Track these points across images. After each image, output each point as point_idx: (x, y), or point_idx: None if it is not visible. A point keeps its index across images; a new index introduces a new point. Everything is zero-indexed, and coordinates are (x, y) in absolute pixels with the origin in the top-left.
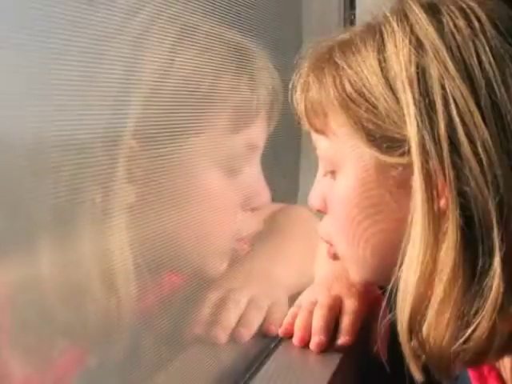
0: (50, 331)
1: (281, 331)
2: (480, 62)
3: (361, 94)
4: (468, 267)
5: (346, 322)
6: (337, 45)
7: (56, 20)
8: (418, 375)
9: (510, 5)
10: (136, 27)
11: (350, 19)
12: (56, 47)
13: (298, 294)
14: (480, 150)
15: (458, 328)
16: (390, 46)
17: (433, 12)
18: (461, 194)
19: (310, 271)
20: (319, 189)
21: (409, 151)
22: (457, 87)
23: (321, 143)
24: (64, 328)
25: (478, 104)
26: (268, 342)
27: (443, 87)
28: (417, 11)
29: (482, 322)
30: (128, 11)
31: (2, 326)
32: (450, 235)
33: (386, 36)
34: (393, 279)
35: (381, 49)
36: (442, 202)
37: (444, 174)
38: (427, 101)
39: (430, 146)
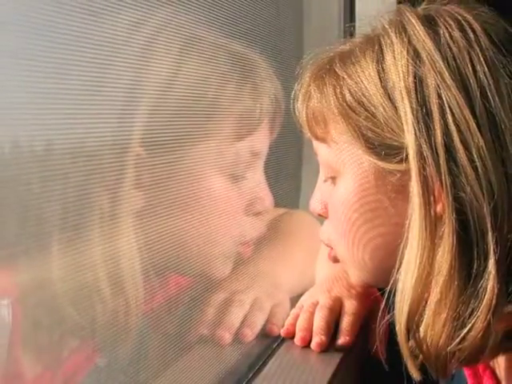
0: (61, 331)
1: (283, 331)
2: (475, 72)
3: (360, 103)
4: (464, 270)
5: (345, 322)
6: (337, 55)
7: (65, 32)
8: (415, 374)
9: (504, 17)
10: (142, 38)
11: (349, 31)
12: (65, 58)
13: (300, 295)
14: (475, 156)
15: (454, 328)
16: (388, 57)
17: (430, 24)
18: (457, 200)
19: (311, 274)
20: (320, 194)
21: (407, 158)
22: (453, 96)
23: (321, 150)
24: (74, 328)
25: (473, 112)
26: (270, 342)
27: (440, 96)
28: (414, 23)
29: (477, 323)
30: (135, 23)
31: (15, 326)
32: (446, 239)
33: (384, 47)
34: (391, 281)
35: (380, 59)
36: (439, 207)
37: (441, 180)
38: (424, 110)
39: (427, 153)
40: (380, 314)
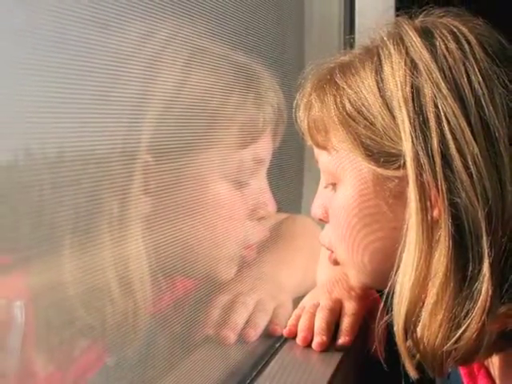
0: (72, 332)
1: (285, 332)
2: (470, 82)
3: (360, 112)
4: (459, 272)
5: (346, 323)
6: (337, 66)
7: (76, 43)
8: (412, 373)
9: (498, 29)
10: (151, 50)
11: (349, 43)
12: (76, 68)
13: (302, 297)
14: (470, 164)
15: (450, 329)
16: (386, 68)
17: (426, 36)
18: (452, 205)
19: (312, 276)
20: (321, 200)
21: (404, 165)
22: (449, 106)
23: (322, 157)
24: (85, 329)
25: (468, 121)
26: (273, 342)
27: (436, 106)
28: (412, 35)
29: (472, 323)
30: (143, 35)
31: (28, 327)
32: (442, 243)
33: (383, 58)
34: (389, 283)
35: (378, 70)
36: (435, 212)
37: (437, 186)
38: (421, 118)
39: (423, 160)
40: (379, 314)
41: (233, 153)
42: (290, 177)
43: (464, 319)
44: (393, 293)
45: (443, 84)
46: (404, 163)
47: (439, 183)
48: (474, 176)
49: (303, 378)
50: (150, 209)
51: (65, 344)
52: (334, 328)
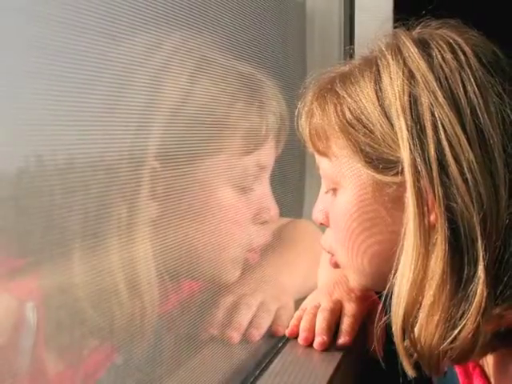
0: (81, 332)
1: (287, 332)
2: (466, 92)
3: (359, 121)
4: (455, 275)
5: (346, 323)
6: (338, 76)
7: (86, 53)
8: (410, 372)
9: (493, 41)
10: (158, 60)
11: (349, 53)
12: (86, 78)
13: (303, 298)
14: (466, 170)
15: (446, 329)
16: (385, 78)
17: (423, 46)
18: (449, 210)
19: (313, 278)
20: (322, 204)
21: (402, 171)
22: (445, 114)
23: (323, 164)
24: (94, 329)
25: (464, 129)
26: (276, 342)
27: (433, 114)
28: (409, 46)
29: (468, 324)
30: (151, 45)
31: (39, 327)
32: (439, 246)
33: (381, 68)
34: (388, 285)
35: (377, 80)
36: (432, 217)
37: (434, 192)
38: (418, 126)
39: (421, 166)
40: (377, 315)
41: (237, 159)
42: (292, 182)
43: (460, 320)
44: (391, 294)
45: (440, 93)
46: (402, 170)
47: (436, 189)
48: (470, 182)
49: (305, 376)
50: (157, 213)
51: (74, 344)
52: (334, 328)
